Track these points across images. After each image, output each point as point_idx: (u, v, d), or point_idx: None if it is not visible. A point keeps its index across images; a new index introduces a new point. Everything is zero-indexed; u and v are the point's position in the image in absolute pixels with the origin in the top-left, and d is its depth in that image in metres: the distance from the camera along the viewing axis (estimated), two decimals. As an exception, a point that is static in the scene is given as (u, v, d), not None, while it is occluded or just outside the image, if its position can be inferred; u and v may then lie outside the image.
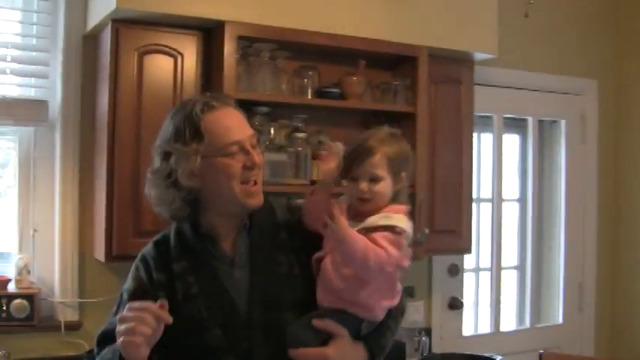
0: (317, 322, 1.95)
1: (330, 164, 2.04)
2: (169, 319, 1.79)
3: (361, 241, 1.89)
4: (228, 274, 2.02)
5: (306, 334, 1.95)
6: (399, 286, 2.06)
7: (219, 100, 2.06)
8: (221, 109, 2.02)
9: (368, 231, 1.95)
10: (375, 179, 1.99)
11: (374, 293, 1.97)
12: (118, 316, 1.84)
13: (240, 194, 1.99)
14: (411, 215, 2.05)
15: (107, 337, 2.00)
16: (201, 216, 2.07)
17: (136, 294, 2.01)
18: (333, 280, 1.96)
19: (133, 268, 2.10)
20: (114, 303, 2.10)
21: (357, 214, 2.00)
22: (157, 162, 2.04)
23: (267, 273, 2.03)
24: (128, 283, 2.08)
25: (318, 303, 2.01)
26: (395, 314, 2.10)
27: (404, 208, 2.03)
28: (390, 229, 1.95)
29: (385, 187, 2.01)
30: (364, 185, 1.99)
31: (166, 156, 2.00)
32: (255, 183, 2.02)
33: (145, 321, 1.78)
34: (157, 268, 2.04)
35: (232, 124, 2.01)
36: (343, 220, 1.91)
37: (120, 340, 1.80)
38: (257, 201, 2.04)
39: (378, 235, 1.93)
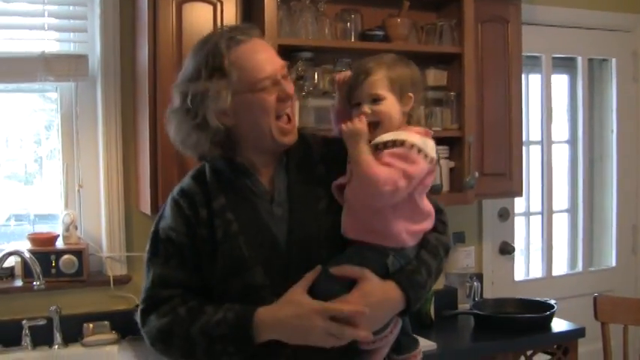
0: (334, 270, 1.87)
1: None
2: None
3: (377, 166, 1.84)
4: (268, 210, 1.97)
5: (329, 285, 1.87)
6: (429, 209, 1.97)
7: (245, 33, 1.97)
8: (248, 43, 1.94)
9: (377, 148, 1.88)
10: (376, 99, 1.94)
11: (396, 217, 1.89)
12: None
13: (275, 131, 1.94)
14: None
15: (166, 283, 1.95)
16: (235, 153, 2.00)
17: (188, 236, 1.95)
18: (356, 207, 1.91)
19: (171, 204, 2.01)
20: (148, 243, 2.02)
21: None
22: (176, 102, 1.96)
23: (306, 210, 1.97)
24: (170, 221, 1.98)
25: (343, 231, 1.94)
26: (432, 247, 2.00)
27: (420, 129, 1.95)
28: (399, 143, 1.87)
29: (389, 106, 1.94)
30: (366, 107, 1.94)
31: (188, 96, 1.92)
32: (289, 120, 1.97)
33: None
34: (201, 204, 1.97)
35: (262, 57, 1.94)
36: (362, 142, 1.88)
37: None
38: (291, 139, 1.98)
39: (385, 153, 1.86)
